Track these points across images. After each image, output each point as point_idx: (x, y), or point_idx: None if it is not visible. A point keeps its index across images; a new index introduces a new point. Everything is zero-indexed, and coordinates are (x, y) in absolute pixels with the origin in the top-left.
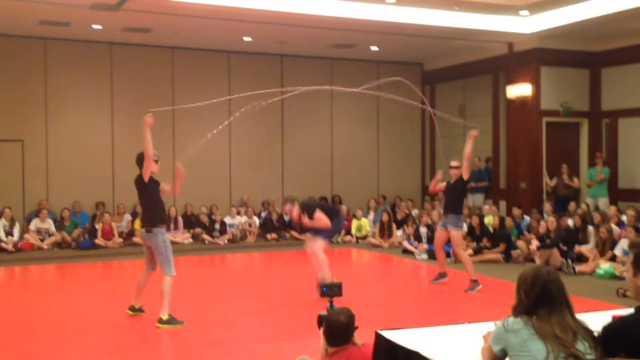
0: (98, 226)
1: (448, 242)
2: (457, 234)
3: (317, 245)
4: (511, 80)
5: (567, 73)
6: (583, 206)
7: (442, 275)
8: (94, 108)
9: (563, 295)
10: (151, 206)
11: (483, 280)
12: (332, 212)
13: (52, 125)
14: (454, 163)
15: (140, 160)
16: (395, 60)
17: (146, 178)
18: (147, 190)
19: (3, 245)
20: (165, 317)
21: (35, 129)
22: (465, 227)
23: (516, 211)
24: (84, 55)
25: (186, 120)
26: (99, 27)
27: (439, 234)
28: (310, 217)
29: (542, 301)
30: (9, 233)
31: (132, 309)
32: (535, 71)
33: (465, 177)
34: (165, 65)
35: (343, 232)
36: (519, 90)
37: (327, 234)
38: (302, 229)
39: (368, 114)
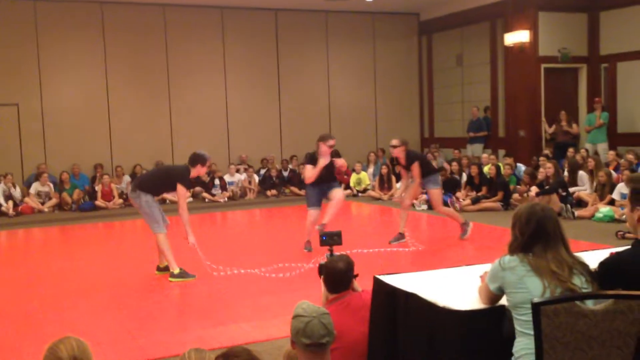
0: (98, 188)
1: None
2: (436, 191)
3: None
4: (509, 27)
5: (565, 18)
6: (582, 152)
7: (401, 236)
8: (87, 69)
9: (558, 231)
10: (157, 184)
11: (482, 227)
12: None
13: (46, 88)
14: (394, 142)
15: (194, 161)
16: (390, 11)
17: (179, 190)
18: (172, 179)
19: (4, 209)
20: (176, 271)
21: (29, 92)
22: (464, 177)
23: (508, 159)
24: (74, 15)
25: (181, 77)
26: None
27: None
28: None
29: (537, 237)
30: (9, 197)
31: (158, 268)
32: (532, 17)
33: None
34: (157, 22)
35: (343, 185)
36: (516, 37)
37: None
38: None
39: (364, 66)
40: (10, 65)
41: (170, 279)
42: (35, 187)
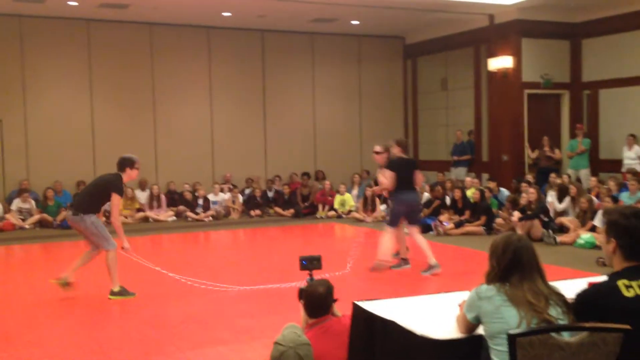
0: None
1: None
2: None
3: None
4: (492, 53)
5: (548, 44)
6: (564, 177)
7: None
8: (72, 86)
9: (534, 262)
10: (95, 201)
11: (465, 252)
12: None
13: (30, 104)
14: (377, 148)
15: (122, 165)
16: (376, 34)
17: (114, 199)
18: (107, 191)
19: None
20: (116, 289)
21: (13, 108)
22: (448, 200)
23: (491, 184)
24: (60, 32)
25: (166, 96)
26: (74, 3)
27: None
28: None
29: (513, 268)
30: None
31: (60, 281)
32: (516, 43)
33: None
34: (143, 41)
35: (327, 207)
36: (500, 62)
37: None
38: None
39: (350, 88)
40: None
41: (110, 296)
42: (16, 203)
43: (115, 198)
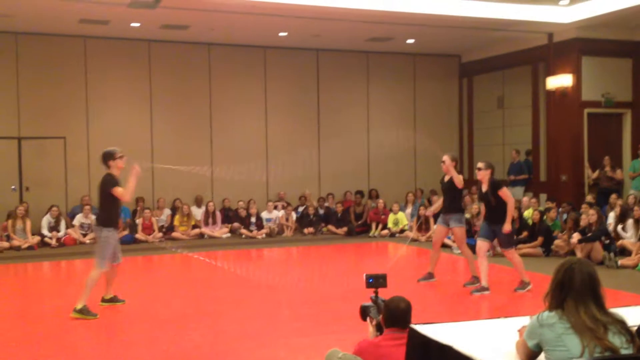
0: (138, 221)
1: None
2: (461, 230)
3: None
4: (551, 71)
5: (609, 63)
6: (629, 198)
7: (430, 275)
8: (133, 105)
9: (588, 286)
10: (107, 209)
11: None
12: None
13: (92, 122)
14: (444, 157)
15: (105, 159)
16: (432, 52)
17: (115, 193)
18: (107, 193)
19: (47, 239)
20: (79, 306)
21: (76, 126)
22: None
23: (549, 204)
24: (123, 53)
25: (222, 114)
26: (137, 24)
27: (439, 230)
28: (495, 193)
29: (563, 290)
30: (53, 228)
31: (103, 300)
32: (575, 61)
33: (459, 187)
34: (202, 61)
35: (380, 226)
36: (559, 81)
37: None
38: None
39: (404, 106)
40: (59, 100)
41: (72, 313)
42: (79, 218)
43: (117, 191)
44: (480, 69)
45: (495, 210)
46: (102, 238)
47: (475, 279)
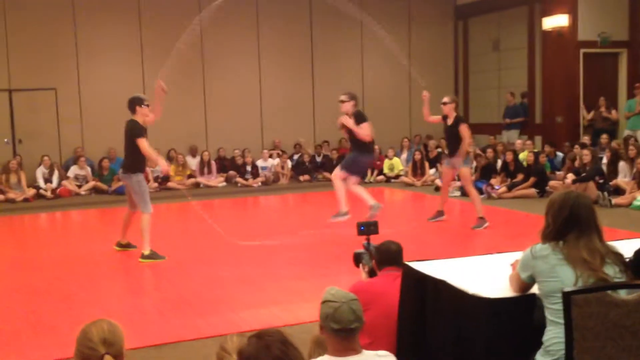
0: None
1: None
2: (466, 170)
3: (338, 176)
4: (547, 12)
5: (605, 1)
6: (618, 140)
7: (440, 213)
8: (124, 55)
9: (592, 219)
10: (133, 155)
11: (517, 215)
12: (369, 146)
13: (83, 73)
14: (445, 99)
15: (132, 104)
16: None
17: (140, 144)
18: (133, 140)
19: (42, 191)
20: (146, 252)
21: (67, 77)
22: (499, 163)
23: (548, 148)
24: (112, 2)
25: (215, 63)
26: None
27: (446, 172)
28: (358, 123)
29: (570, 225)
30: (47, 180)
31: (119, 244)
32: (572, 1)
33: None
34: (192, 8)
35: (375, 172)
36: (555, 21)
37: (350, 166)
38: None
39: (399, 49)
40: (48, 51)
41: (140, 259)
42: (73, 170)
43: (141, 142)
44: (476, 11)
45: (457, 142)
46: (135, 184)
47: (481, 220)
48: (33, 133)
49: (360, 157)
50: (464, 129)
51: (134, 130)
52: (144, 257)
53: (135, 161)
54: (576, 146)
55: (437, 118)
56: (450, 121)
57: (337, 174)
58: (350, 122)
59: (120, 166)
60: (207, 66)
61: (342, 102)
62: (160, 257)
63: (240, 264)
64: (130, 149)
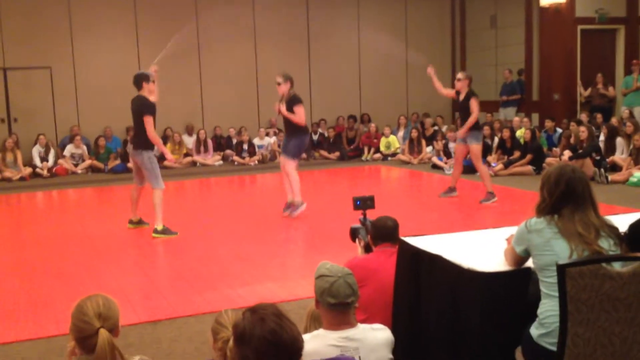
0: (129, 150)
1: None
2: (477, 147)
3: (290, 166)
4: None
5: None
6: (619, 116)
7: (451, 189)
8: (118, 33)
9: (587, 193)
10: (143, 131)
11: (513, 191)
12: (304, 128)
13: (78, 51)
14: (459, 75)
15: (139, 80)
16: None
17: (147, 122)
18: (141, 117)
19: (38, 170)
20: (159, 227)
21: (62, 55)
22: (496, 141)
23: (549, 123)
24: None
25: (211, 41)
26: None
27: (459, 149)
28: (291, 109)
29: (565, 199)
30: (43, 159)
31: (131, 222)
32: None
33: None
34: None
35: (372, 150)
36: None
37: (295, 153)
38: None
39: (396, 27)
40: (42, 30)
41: (153, 234)
42: (69, 148)
43: (148, 121)
44: None
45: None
46: (146, 160)
47: (490, 194)
48: (28, 111)
49: (300, 141)
50: (474, 103)
51: (143, 107)
52: (156, 232)
53: (145, 138)
54: (572, 123)
55: (450, 92)
56: (462, 97)
57: (291, 164)
58: (285, 112)
59: (130, 142)
60: (203, 45)
61: (279, 84)
62: (172, 233)
63: (238, 241)
64: (140, 125)
